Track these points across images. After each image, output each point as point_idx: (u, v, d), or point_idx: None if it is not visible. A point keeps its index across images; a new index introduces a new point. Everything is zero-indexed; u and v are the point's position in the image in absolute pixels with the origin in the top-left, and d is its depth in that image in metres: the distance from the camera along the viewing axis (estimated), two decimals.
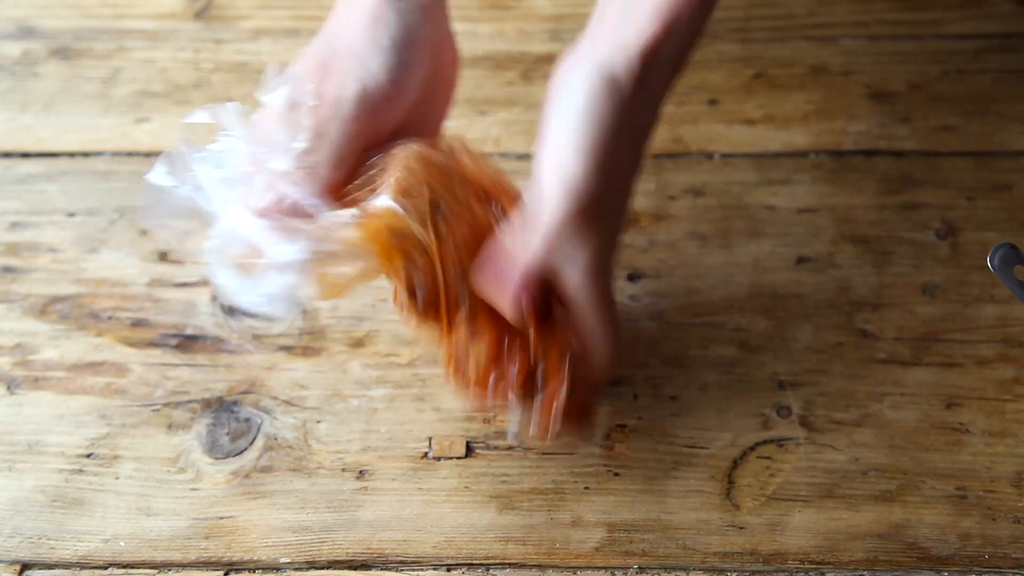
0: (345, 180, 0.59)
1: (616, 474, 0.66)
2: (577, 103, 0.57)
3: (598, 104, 0.56)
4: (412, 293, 0.58)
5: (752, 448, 0.67)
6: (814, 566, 0.63)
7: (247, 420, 0.69)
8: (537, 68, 0.84)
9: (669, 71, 0.59)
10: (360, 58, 0.58)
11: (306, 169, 0.57)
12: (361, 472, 0.67)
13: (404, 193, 0.57)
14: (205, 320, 0.73)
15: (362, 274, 0.59)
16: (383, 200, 0.57)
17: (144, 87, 0.84)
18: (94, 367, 0.71)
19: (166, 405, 0.69)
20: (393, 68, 0.58)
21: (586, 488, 0.66)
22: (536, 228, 0.57)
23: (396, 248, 0.58)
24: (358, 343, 0.72)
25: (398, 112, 0.60)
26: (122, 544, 0.64)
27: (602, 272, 0.58)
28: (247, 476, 0.67)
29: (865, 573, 0.63)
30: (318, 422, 0.69)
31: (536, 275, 0.57)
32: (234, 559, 0.64)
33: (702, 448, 0.67)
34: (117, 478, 0.67)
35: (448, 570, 0.63)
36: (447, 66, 0.63)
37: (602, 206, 0.57)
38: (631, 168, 0.58)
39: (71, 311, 0.73)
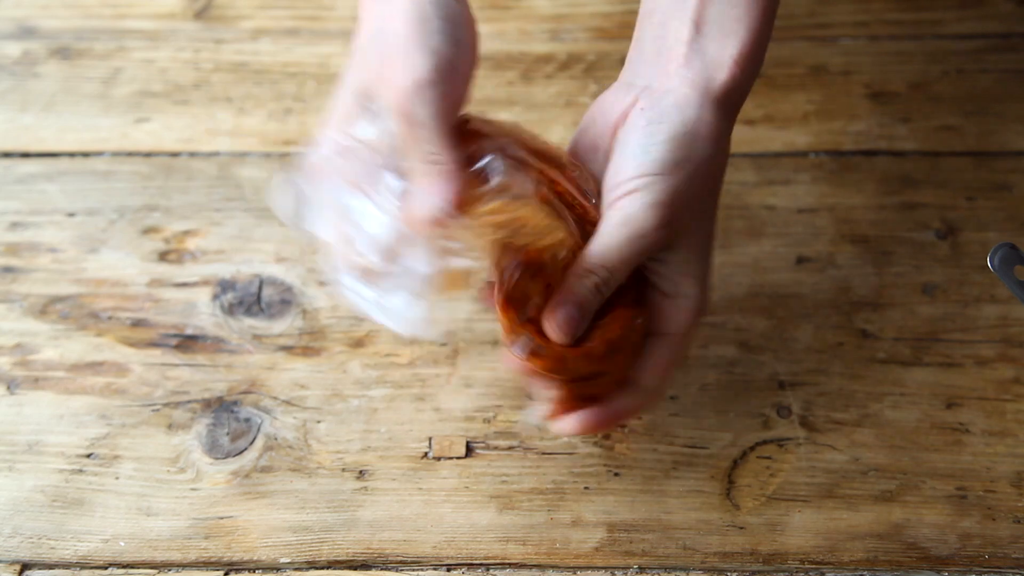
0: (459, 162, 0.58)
1: (616, 474, 0.66)
2: (691, 130, 0.59)
3: (713, 129, 0.59)
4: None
5: (752, 448, 0.67)
6: (814, 566, 0.63)
7: (247, 420, 0.69)
8: (537, 68, 0.84)
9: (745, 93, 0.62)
10: (420, 40, 0.58)
11: (427, 162, 0.57)
12: (361, 472, 0.67)
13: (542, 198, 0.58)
14: (205, 320, 0.73)
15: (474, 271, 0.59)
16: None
17: (144, 87, 0.84)
18: (94, 367, 0.71)
19: (166, 405, 0.69)
20: (453, 41, 0.59)
21: (586, 488, 0.66)
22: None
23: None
24: (358, 343, 0.72)
25: (463, 85, 0.59)
26: (122, 544, 0.64)
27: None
28: (247, 476, 0.67)
29: (865, 573, 0.63)
30: (318, 422, 0.69)
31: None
32: (234, 559, 0.64)
33: (702, 448, 0.67)
34: (117, 478, 0.67)
35: (448, 570, 0.63)
36: (476, 43, 0.63)
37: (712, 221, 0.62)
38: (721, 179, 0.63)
39: (71, 311, 0.73)
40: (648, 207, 0.58)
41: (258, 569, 0.64)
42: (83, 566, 0.64)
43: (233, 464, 0.67)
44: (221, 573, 0.64)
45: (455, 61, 0.58)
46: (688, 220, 0.59)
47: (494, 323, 0.70)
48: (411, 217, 0.58)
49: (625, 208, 0.58)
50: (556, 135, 0.80)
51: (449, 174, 0.57)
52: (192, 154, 0.80)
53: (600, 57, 0.84)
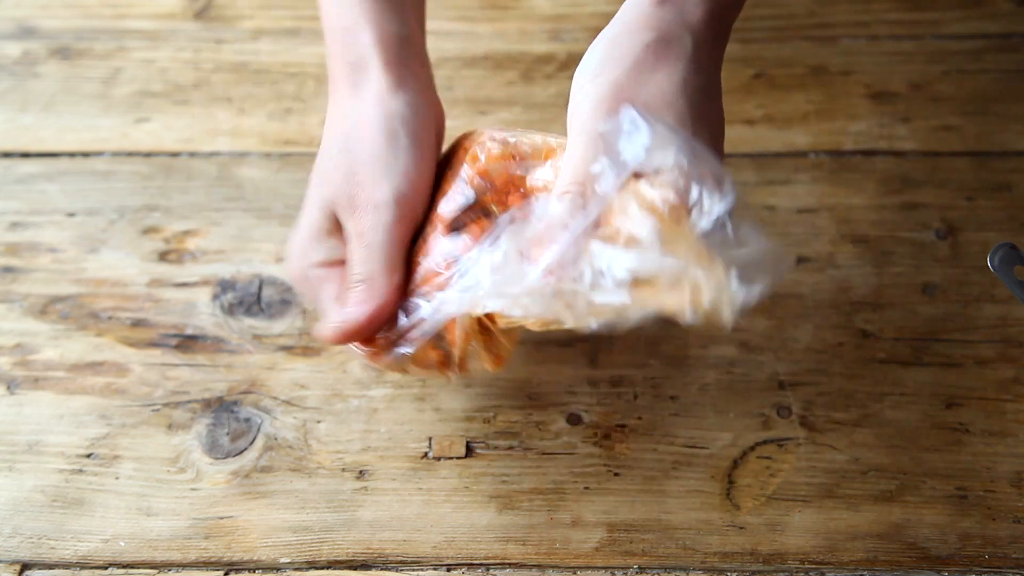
0: (402, 284, 0.60)
1: (616, 474, 0.66)
2: (628, 26, 0.59)
3: (654, 20, 0.59)
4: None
5: (752, 448, 0.67)
6: (814, 566, 0.63)
7: (247, 420, 0.69)
8: (537, 68, 0.84)
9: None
10: (386, 165, 0.60)
11: (363, 280, 0.59)
12: (361, 472, 0.67)
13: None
14: (205, 320, 0.73)
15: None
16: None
17: (144, 87, 0.84)
18: (94, 367, 0.71)
19: (166, 405, 0.69)
20: (415, 163, 0.61)
21: (586, 488, 0.66)
22: None
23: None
24: None
25: (426, 196, 0.62)
26: (122, 544, 0.64)
27: None
28: (247, 476, 0.67)
29: (865, 573, 0.63)
30: (318, 422, 0.69)
31: None
32: (234, 559, 0.64)
33: (702, 448, 0.67)
34: (117, 478, 0.67)
35: (448, 570, 0.63)
36: (442, 128, 0.65)
37: None
38: None
39: (71, 311, 0.73)
40: (592, 107, 0.57)
41: (258, 569, 0.64)
42: (83, 566, 0.64)
43: (233, 464, 0.67)
44: (221, 573, 0.64)
45: (413, 188, 0.60)
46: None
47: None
48: (320, 329, 0.60)
49: (571, 122, 0.58)
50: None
51: (379, 296, 0.59)
52: (192, 154, 0.80)
53: None
